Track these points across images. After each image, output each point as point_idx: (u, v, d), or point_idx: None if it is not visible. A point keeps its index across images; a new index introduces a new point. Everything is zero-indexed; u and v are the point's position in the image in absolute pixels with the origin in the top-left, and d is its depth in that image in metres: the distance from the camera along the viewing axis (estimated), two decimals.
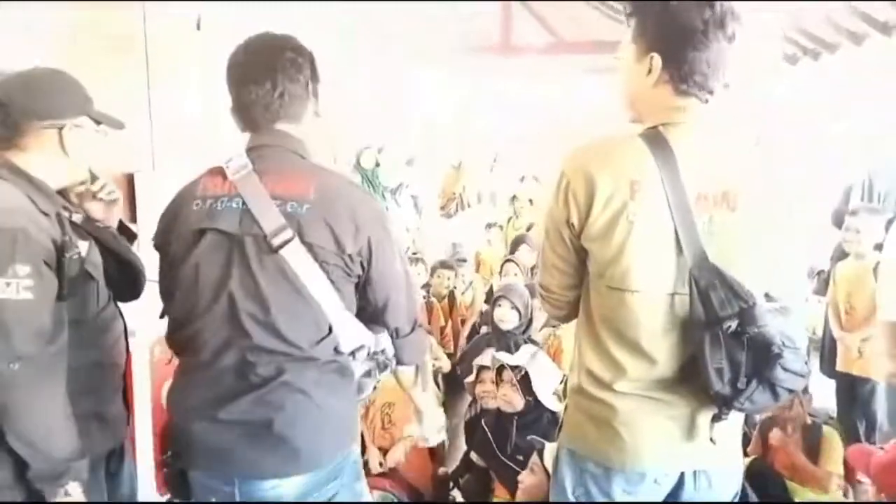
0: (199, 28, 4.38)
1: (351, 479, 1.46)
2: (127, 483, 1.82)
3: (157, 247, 1.51)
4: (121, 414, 1.78)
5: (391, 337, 1.47)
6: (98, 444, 1.66)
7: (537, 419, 2.71)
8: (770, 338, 1.21)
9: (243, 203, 1.35)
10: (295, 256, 1.32)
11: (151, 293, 2.95)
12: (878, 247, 3.11)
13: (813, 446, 2.55)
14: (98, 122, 1.65)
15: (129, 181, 3.64)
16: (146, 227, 3.66)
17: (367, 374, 1.45)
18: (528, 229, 5.86)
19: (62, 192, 1.63)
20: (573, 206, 1.28)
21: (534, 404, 2.73)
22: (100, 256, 1.64)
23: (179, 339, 1.48)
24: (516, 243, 5.08)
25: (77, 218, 1.62)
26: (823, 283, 3.95)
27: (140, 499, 1.98)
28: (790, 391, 1.28)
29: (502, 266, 4.48)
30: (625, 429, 1.34)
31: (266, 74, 1.42)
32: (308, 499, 1.37)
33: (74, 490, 1.44)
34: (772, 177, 1.31)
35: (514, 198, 6.87)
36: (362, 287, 1.42)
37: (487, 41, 9.22)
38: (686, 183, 1.24)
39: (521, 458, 2.64)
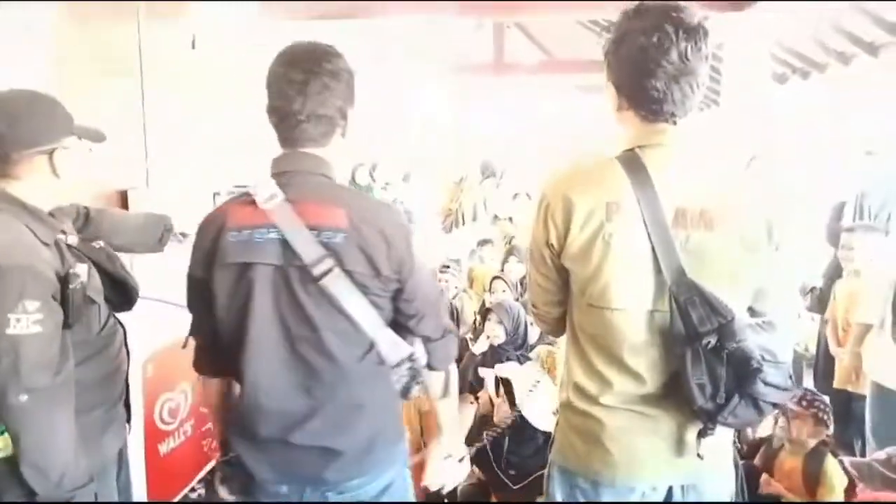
0: (194, 47, 4.41)
1: (402, 465, 1.57)
2: (125, 491, 1.84)
3: (198, 279, 1.45)
4: (123, 414, 1.81)
5: (423, 344, 1.52)
6: (109, 448, 1.69)
7: (531, 436, 2.70)
8: (749, 352, 1.21)
9: (280, 234, 1.36)
10: (336, 283, 1.35)
11: (142, 312, 2.96)
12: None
13: (814, 474, 2.50)
14: (80, 138, 1.65)
15: (123, 198, 3.63)
16: None
17: (409, 380, 1.49)
18: (510, 242, 5.87)
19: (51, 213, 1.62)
20: (552, 228, 1.32)
21: (520, 420, 2.71)
22: (98, 279, 1.64)
23: (225, 366, 1.51)
24: (506, 256, 5.13)
25: (72, 241, 1.62)
26: (816, 300, 3.97)
27: None
28: (774, 405, 1.29)
29: (491, 283, 4.49)
30: (613, 443, 1.33)
31: (297, 94, 1.36)
32: (369, 486, 1.48)
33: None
34: (752, 195, 1.31)
35: (495, 217, 6.90)
36: (395, 300, 1.46)
37: (482, 59, 9.32)
38: (664, 202, 1.26)
39: (513, 473, 2.62)
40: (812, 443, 2.54)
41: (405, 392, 1.49)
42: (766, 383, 1.23)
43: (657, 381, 1.31)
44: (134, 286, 1.80)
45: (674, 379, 1.28)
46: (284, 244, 1.36)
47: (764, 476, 2.53)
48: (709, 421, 1.27)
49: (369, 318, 1.39)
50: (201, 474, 2.92)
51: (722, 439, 1.38)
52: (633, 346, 1.30)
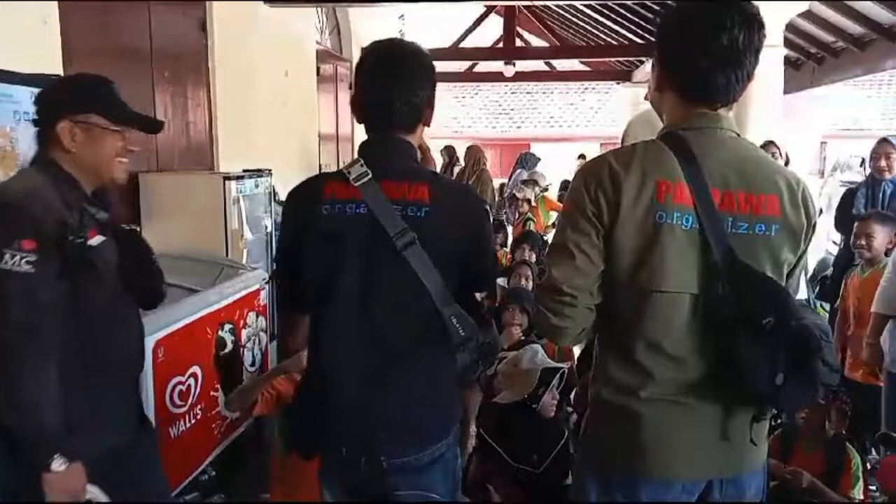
0: (204, 30, 4.39)
1: (454, 440, 1.64)
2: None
3: (292, 244, 1.61)
4: (134, 408, 1.84)
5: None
6: (111, 437, 1.70)
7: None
8: (810, 330, 1.20)
9: (368, 208, 1.48)
10: (416, 256, 1.45)
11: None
12: (889, 252, 3.11)
13: (836, 462, 2.48)
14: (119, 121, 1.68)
15: (134, 181, 3.63)
16: (149, 225, 3.69)
17: (473, 361, 1.52)
18: (525, 224, 5.83)
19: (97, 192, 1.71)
20: (602, 202, 1.26)
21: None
22: (115, 255, 1.66)
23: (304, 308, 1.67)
24: (522, 240, 5.09)
25: (102, 216, 1.67)
26: (828, 288, 3.94)
27: None
28: (827, 386, 1.26)
29: (514, 268, 4.40)
30: (651, 437, 1.30)
31: (388, 85, 1.51)
32: (420, 458, 1.56)
33: (94, 491, 1.55)
34: (791, 181, 1.29)
35: (512, 196, 6.90)
36: (465, 270, 1.56)
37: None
38: (710, 184, 1.24)
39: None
40: (831, 433, 2.53)
41: (469, 372, 1.54)
42: (824, 362, 1.21)
43: (700, 369, 1.29)
44: (160, 284, 1.83)
45: (718, 366, 1.26)
46: (371, 218, 1.48)
47: (773, 462, 2.51)
48: (766, 404, 1.27)
49: (442, 293, 1.46)
50: (211, 457, 2.94)
51: (763, 429, 1.37)
52: (679, 332, 1.28)
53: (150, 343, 2.49)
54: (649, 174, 1.26)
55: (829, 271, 4.29)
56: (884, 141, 3.87)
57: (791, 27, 5.77)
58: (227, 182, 3.55)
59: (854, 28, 5.67)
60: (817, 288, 4.41)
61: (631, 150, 1.33)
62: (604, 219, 1.27)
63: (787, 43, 6.09)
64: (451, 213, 1.51)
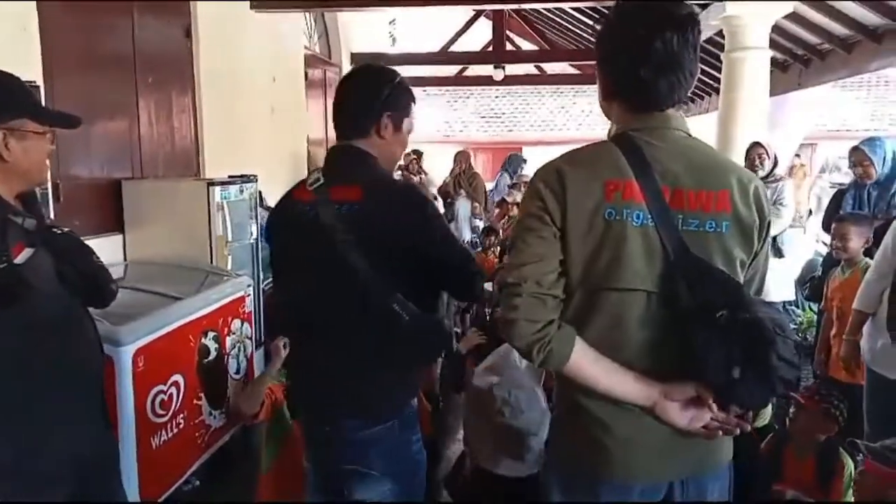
0: (188, 36, 4.37)
1: (402, 426, 1.72)
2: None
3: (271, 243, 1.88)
4: (98, 411, 1.81)
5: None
6: (73, 443, 1.67)
7: None
8: (762, 323, 1.18)
9: (316, 209, 1.65)
10: (351, 250, 1.59)
11: (132, 303, 2.95)
12: (868, 253, 3.12)
13: (828, 467, 2.43)
14: (43, 123, 1.62)
15: (116, 188, 3.60)
16: (132, 232, 3.66)
17: (421, 349, 1.68)
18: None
19: None
20: (550, 201, 1.25)
21: None
22: (50, 261, 1.62)
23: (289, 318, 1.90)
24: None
25: (30, 224, 1.61)
26: (815, 288, 3.95)
27: None
28: (785, 382, 1.23)
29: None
30: (610, 438, 1.29)
31: (340, 98, 1.72)
32: (365, 429, 1.69)
33: None
34: (740, 177, 1.28)
35: (502, 200, 6.93)
36: (418, 262, 1.63)
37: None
38: (660, 182, 1.24)
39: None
40: (822, 437, 2.51)
41: (417, 357, 1.73)
42: (779, 356, 1.19)
43: (657, 367, 1.28)
44: (106, 282, 1.79)
45: (677, 364, 1.25)
46: (318, 218, 1.63)
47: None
48: (723, 400, 1.25)
49: (380, 283, 1.58)
50: (195, 467, 2.91)
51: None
52: (634, 331, 1.27)
53: (129, 352, 2.47)
54: (597, 173, 1.26)
55: (818, 272, 4.29)
56: (854, 149, 3.88)
57: (777, 29, 5.78)
58: (210, 188, 3.53)
59: (840, 30, 5.68)
60: (806, 289, 4.42)
61: (580, 151, 1.34)
62: (554, 218, 1.26)
63: (774, 45, 6.12)
64: (381, 207, 1.61)
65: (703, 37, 6.95)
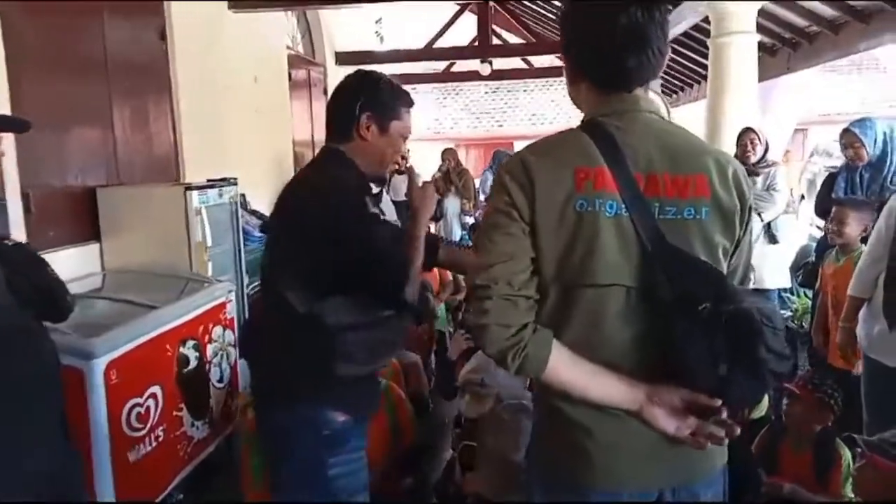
0: (163, 38, 4.28)
1: (309, 418, 1.65)
2: None
3: None
4: (53, 435, 1.72)
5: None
6: (26, 464, 1.60)
7: None
8: (749, 313, 1.10)
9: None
10: (272, 245, 1.72)
11: (111, 312, 2.86)
12: (864, 239, 3.04)
13: (825, 459, 2.36)
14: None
15: (91, 195, 3.51)
16: (109, 240, 3.57)
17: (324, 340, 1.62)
18: None
19: None
20: (517, 194, 1.16)
21: None
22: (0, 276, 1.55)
23: None
24: None
25: None
26: (809, 274, 3.87)
27: None
28: (777, 375, 1.15)
29: None
30: (593, 444, 1.21)
31: (330, 103, 1.77)
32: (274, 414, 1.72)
33: None
34: (718, 159, 1.20)
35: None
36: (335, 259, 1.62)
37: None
38: (633, 168, 1.16)
39: None
40: (817, 428, 2.43)
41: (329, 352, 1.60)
42: (768, 349, 1.10)
43: (642, 369, 1.19)
44: (61, 295, 1.72)
45: (661, 364, 1.16)
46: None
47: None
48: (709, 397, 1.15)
49: (289, 276, 1.61)
50: (177, 480, 2.83)
51: None
52: (615, 329, 1.18)
53: (101, 365, 2.39)
54: (566, 163, 1.17)
55: (812, 258, 4.22)
56: (845, 131, 3.80)
57: (764, 13, 5.71)
58: (188, 193, 3.43)
59: (827, 11, 5.61)
60: (799, 275, 4.34)
61: (547, 140, 1.26)
62: (522, 213, 1.17)
63: (761, 29, 6.04)
64: (291, 209, 1.67)
65: (690, 23, 6.89)
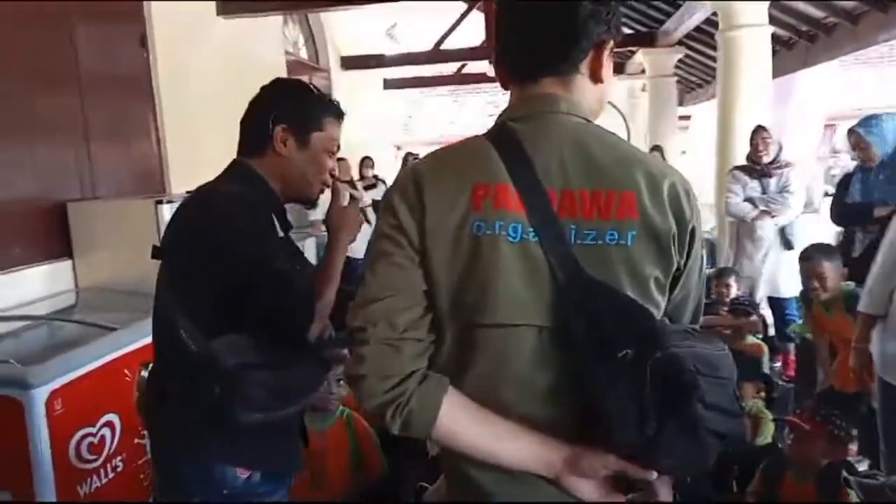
0: (143, 45, 4.16)
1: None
2: None
3: None
4: None
5: None
6: None
7: None
8: (678, 360, 0.89)
9: None
10: (164, 269, 1.54)
11: (62, 337, 2.72)
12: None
13: (828, 496, 2.11)
14: None
15: (62, 210, 3.39)
16: (81, 257, 3.44)
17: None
18: None
19: None
20: (404, 214, 0.98)
21: None
22: None
23: None
24: None
25: None
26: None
27: None
28: (720, 437, 0.93)
29: None
30: None
31: (244, 116, 1.59)
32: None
33: None
34: (651, 172, 0.97)
35: None
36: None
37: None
38: (546, 184, 0.96)
39: None
40: (824, 462, 2.20)
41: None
42: (705, 404, 0.89)
43: (564, 424, 0.97)
44: None
45: (587, 417, 0.95)
46: None
47: None
48: (642, 465, 0.94)
49: (179, 306, 1.41)
50: None
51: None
52: (526, 377, 0.97)
53: (41, 395, 2.23)
54: (464, 177, 0.97)
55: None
56: (850, 132, 3.54)
57: (779, 5, 5.44)
58: (159, 206, 3.28)
59: (844, 2, 5.32)
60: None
61: (445, 151, 1.06)
62: (411, 238, 0.97)
63: (777, 22, 5.76)
64: (176, 230, 1.50)
65: (701, 17, 6.63)
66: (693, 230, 0.99)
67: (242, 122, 1.58)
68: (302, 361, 1.41)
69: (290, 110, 1.52)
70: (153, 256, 1.46)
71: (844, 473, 2.16)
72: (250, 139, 1.55)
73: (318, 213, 1.61)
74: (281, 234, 1.51)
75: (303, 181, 1.54)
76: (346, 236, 1.54)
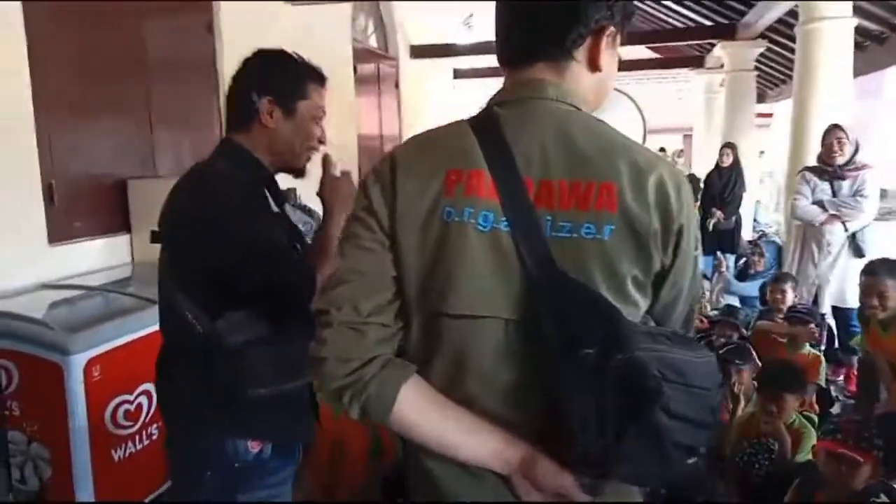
0: (209, 31, 4.30)
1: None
2: None
3: None
4: None
5: None
6: None
7: None
8: (643, 367, 0.83)
9: None
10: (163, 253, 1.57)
11: (107, 308, 2.85)
12: None
13: None
14: None
15: (122, 187, 3.55)
16: (139, 233, 3.60)
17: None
18: None
19: None
20: (375, 195, 0.97)
21: None
22: None
23: None
24: None
25: None
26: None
27: None
28: (687, 449, 0.88)
29: None
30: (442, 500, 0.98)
31: (228, 90, 1.55)
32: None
33: None
34: (636, 162, 0.92)
35: None
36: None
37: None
38: (524, 172, 0.92)
39: None
40: (861, 485, 2.06)
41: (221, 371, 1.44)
42: (669, 414, 0.84)
43: (528, 420, 0.94)
44: None
45: (543, 417, 0.92)
46: None
47: None
48: (598, 471, 0.90)
49: (180, 289, 1.43)
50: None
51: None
52: (491, 370, 0.94)
53: (79, 362, 2.36)
54: (439, 162, 0.95)
55: None
56: None
57: None
58: None
59: None
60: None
61: (426, 135, 1.03)
62: (382, 221, 0.96)
63: (866, 14, 5.40)
64: (172, 212, 1.48)
65: (784, 9, 6.29)
66: (681, 228, 0.92)
67: (228, 98, 1.56)
68: (306, 335, 1.43)
69: (274, 81, 1.50)
70: (153, 241, 1.49)
71: (883, 497, 2.03)
72: (236, 114, 1.53)
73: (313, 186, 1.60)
74: (276, 208, 1.53)
75: (291, 151, 1.54)
76: (339, 208, 1.53)
